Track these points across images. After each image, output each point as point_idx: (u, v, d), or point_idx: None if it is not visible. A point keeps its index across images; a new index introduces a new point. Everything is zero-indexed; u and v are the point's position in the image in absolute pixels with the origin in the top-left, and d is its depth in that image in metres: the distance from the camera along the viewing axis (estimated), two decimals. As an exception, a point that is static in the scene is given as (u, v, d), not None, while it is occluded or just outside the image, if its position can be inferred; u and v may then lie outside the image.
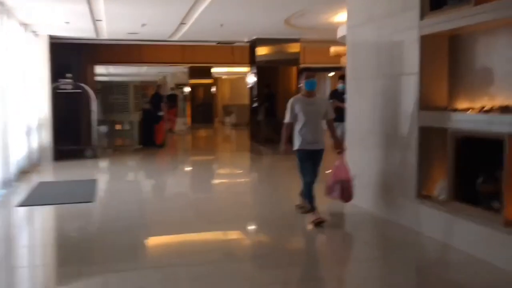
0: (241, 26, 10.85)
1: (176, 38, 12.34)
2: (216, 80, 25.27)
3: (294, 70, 13.35)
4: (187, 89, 23.87)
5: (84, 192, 7.49)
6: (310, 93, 5.74)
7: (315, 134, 5.69)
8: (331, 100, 8.12)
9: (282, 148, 5.90)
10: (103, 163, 11.67)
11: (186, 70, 22.24)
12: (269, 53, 12.99)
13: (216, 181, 9.99)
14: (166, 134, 15.29)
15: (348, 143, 6.57)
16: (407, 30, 5.35)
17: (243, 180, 10.06)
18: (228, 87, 28.13)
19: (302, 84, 5.81)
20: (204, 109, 22.53)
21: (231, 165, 11.78)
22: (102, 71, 20.33)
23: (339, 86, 8.84)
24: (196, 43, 14.43)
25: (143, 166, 11.73)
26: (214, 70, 22.03)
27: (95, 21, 9.66)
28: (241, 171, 11.16)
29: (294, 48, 13.19)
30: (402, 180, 5.51)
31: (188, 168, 11.85)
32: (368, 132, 6.26)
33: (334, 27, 11.34)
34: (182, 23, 10.18)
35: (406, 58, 5.46)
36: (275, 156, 12.07)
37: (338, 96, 8.61)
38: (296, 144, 5.75)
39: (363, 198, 6.16)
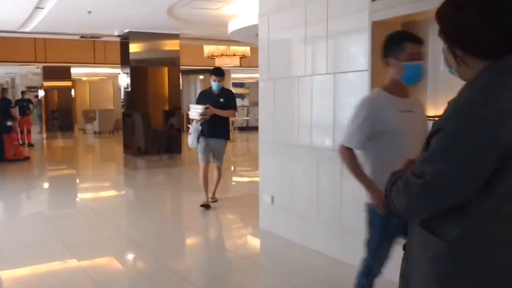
0: (113, 14, 8.88)
1: (28, 29, 9.96)
2: (75, 82, 22.50)
3: (172, 71, 11.51)
4: (40, 93, 20.85)
5: None
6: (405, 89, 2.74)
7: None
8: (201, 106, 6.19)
9: (376, 199, 2.61)
10: None
11: (39, 70, 19.37)
12: (144, 51, 11.08)
13: (83, 201, 7.98)
14: (22, 147, 12.78)
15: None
16: (354, 15, 4.08)
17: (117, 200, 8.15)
18: (87, 90, 25.42)
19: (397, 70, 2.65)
20: (61, 116, 19.75)
21: (103, 182, 9.73)
22: None
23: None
24: (53, 36, 12.07)
25: None
26: (74, 70, 19.42)
27: None
28: (113, 190, 9.21)
29: (173, 45, 11.44)
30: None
31: (47, 188, 9.55)
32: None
33: (223, 21, 9.94)
34: (38, 7, 7.99)
35: (354, 52, 4.19)
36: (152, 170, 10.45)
37: (211, 99, 6.31)
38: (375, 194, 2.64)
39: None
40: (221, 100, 6.32)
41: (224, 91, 6.45)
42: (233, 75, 22.76)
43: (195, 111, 6.21)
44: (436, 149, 1.33)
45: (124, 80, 11.06)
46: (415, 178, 1.36)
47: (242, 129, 20.90)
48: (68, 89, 19.77)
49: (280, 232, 5.07)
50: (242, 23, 9.41)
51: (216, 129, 6.26)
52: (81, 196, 8.87)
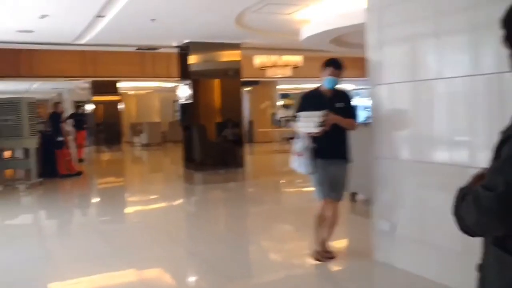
0: (177, 22, 8.26)
1: (84, 41, 9.44)
2: (122, 96, 22.30)
3: (233, 82, 10.81)
4: (89, 107, 20.73)
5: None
6: None
7: None
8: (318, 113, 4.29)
9: None
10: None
11: (87, 85, 19.13)
12: (205, 61, 10.42)
13: (142, 216, 7.25)
14: (73, 162, 12.37)
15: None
16: None
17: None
18: (134, 104, 25.26)
19: None
20: (109, 129, 19.47)
21: (163, 196, 9.11)
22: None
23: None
24: (106, 48, 11.56)
25: (44, 205, 8.95)
26: (121, 84, 19.11)
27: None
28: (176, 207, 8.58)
29: (234, 56, 10.75)
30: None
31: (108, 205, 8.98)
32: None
33: (291, 28, 9.27)
34: (99, 16, 7.42)
35: None
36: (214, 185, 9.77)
37: (323, 103, 4.64)
38: None
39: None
40: (339, 105, 4.44)
41: (338, 93, 4.57)
42: (279, 86, 22.28)
43: (308, 120, 4.32)
44: (509, 157, 1.25)
45: (184, 92, 10.43)
46: (486, 191, 1.27)
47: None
48: (116, 103, 19.48)
49: (406, 266, 4.24)
50: (318, 28, 8.72)
51: (337, 146, 4.46)
52: (139, 211, 8.41)
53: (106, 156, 17.75)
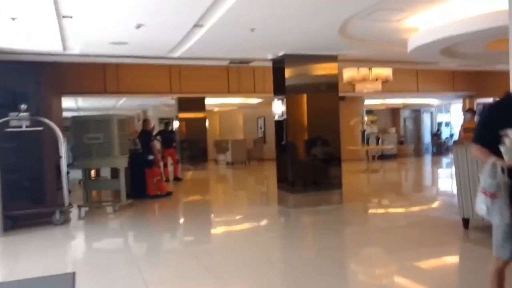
0: (276, 32, 7.51)
1: (177, 54, 8.93)
2: (206, 113, 22.17)
3: (330, 97, 9.89)
4: (175, 124, 20.65)
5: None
6: None
7: None
8: None
9: None
10: (80, 233, 8.28)
11: (173, 102, 18.97)
12: (300, 75, 9.60)
13: (237, 240, 6.56)
14: (163, 182, 12.05)
15: None
16: None
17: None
18: (218, 121, 25.06)
19: None
20: (195, 147, 19.16)
21: (258, 220, 8.38)
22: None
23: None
24: (196, 62, 11.08)
25: (133, 227, 8.60)
26: (208, 101, 18.80)
27: (61, 17, 6.19)
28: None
29: (331, 69, 9.86)
30: None
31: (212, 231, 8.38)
32: None
33: (396, 37, 8.36)
34: (197, 25, 6.81)
35: None
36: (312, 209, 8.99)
37: None
38: None
39: None
40: None
41: None
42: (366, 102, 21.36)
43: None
44: None
45: (278, 107, 9.69)
46: None
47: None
48: (202, 120, 19.19)
49: None
50: (429, 36, 7.73)
51: None
52: (229, 232, 8.11)
53: (192, 174, 17.38)
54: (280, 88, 9.67)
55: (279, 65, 9.65)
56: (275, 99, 9.83)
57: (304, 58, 9.53)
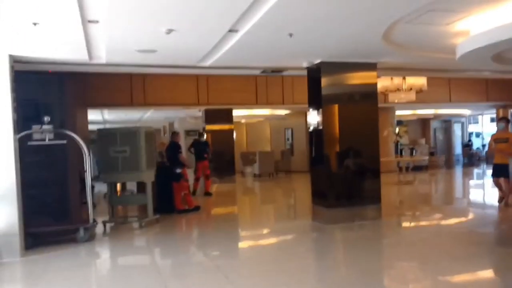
0: (314, 37, 6.96)
1: (208, 63, 8.45)
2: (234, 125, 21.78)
3: (369, 107, 9.29)
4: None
5: None
6: None
7: None
8: None
9: None
10: (104, 251, 7.82)
11: (200, 113, 18.59)
12: (338, 84, 9.02)
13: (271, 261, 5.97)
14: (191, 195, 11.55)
15: None
16: None
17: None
18: (244, 133, 24.59)
19: None
20: (222, 159, 18.68)
21: (296, 239, 7.81)
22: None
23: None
24: (227, 71, 10.63)
25: (160, 243, 8.23)
26: (235, 113, 18.36)
27: (86, 22, 5.75)
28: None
29: (370, 78, 9.26)
30: None
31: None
32: None
33: (442, 43, 7.76)
34: (232, 30, 6.31)
35: None
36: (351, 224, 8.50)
37: None
38: None
39: None
40: None
41: None
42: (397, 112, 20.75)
43: None
44: None
45: (314, 118, 9.13)
46: None
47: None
48: (230, 132, 18.75)
49: None
50: (483, 40, 7.05)
51: None
52: (260, 247, 7.82)
53: (220, 187, 16.87)
54: (316, 98, 9.11)
55: (314, 74, 9.10)
56: (310, 109, 9.28)
57: (341, 66, 9.00)
